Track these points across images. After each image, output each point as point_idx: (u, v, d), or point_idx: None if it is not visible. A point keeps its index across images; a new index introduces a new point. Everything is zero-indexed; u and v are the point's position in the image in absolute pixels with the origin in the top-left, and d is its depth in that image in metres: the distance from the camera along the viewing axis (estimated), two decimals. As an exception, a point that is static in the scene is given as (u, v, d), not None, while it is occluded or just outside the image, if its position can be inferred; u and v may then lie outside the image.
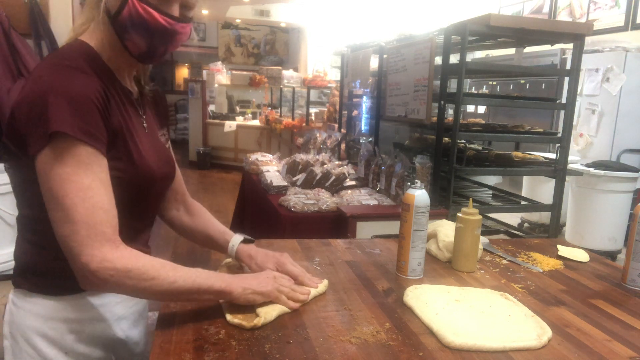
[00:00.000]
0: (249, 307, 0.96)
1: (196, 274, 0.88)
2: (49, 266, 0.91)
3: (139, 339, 1.06)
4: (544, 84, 4.86)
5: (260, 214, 2.69)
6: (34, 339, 0.91)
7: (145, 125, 1.01)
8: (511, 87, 5.27)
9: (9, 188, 0.95)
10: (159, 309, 0.97)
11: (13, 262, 0.97)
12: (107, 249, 0.79)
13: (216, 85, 8.61)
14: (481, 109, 5.61)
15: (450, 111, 2.57)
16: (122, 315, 1.01)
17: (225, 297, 0.93)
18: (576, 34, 2.33)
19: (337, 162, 2.85)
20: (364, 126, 3.81)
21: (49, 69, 0.83)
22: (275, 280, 0.98)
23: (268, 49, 12.26)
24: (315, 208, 2.18)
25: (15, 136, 0.83)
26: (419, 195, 1.16)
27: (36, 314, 0.92)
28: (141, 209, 1.01)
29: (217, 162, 8.33)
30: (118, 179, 0.87)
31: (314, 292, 1.05)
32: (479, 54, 6.00)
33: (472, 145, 2.84)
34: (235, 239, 1.13)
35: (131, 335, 1.03)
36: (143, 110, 1.03)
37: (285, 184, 2.55)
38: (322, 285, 1.09)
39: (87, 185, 0.80)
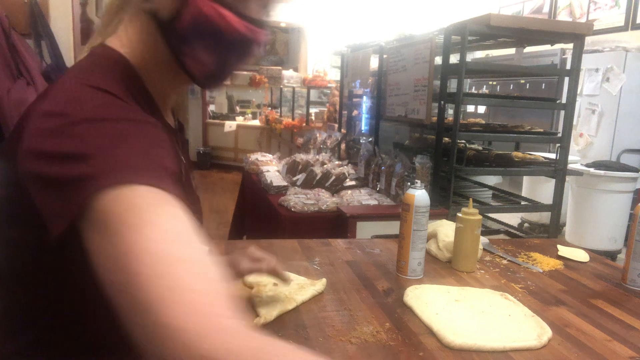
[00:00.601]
0: (249, 307, 0.96)
1: None
2: None
3: None
4: (544, 84, 4.86)
5: (260, 214, 2.69)
6: None
7: (183, 171, 0.73)
8: (511, 87, 5.27)
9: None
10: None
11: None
12: (231, 325, 0.45)
13: (216, 85, 8.61)
14: (481, 109, 5.62)
15: (450, 111, 2.57)
16: None
17: None
18: (576, 34, 2.33)
19: (337, 162, 2.85)
20: (364, 126, 3.81)
21: (94, 96, 0.55)
22: None
23: (268, 49, 12.26)
24: (315, 208, 2.17)
25: (24, 199, 0.53)
26: (419, 195, 1.16)
27: None
28: None
29: (217, 162, 8.33)
30: None
31: (312, 291, 1.05)
32: (479, 54, 6.00)
33: (472, 145, 2.84)
34: None
35: None
36: (181, 149, 0.76)
37: (285, 184, 2.55)
38: (320, 284, 1.09)
39: (158, 237, 0.48)
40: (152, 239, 0.47)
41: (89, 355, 0.55)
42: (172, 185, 0.52)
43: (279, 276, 0.99)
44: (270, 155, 3.36)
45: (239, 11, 0.62)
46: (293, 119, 7.59)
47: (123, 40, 0.64)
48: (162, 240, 0.47)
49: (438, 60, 2.43)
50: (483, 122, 2.98)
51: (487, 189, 2.93)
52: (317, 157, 2.98)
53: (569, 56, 4.33)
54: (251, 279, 1.08)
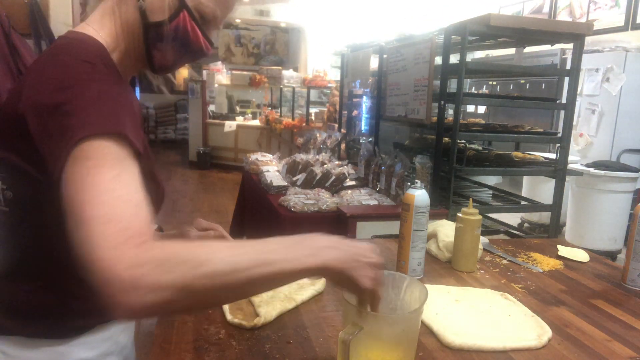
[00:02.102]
0: (249, 307, 0.96)
1: (273, 250, 0.65)
2: (61, 307, 0.79)
3: None
4: (544, 84, 4.87)
5: (260, 214, 2.69)
6: None
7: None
8: (511, 87, 5.27)
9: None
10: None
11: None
12: (128, 246, 0.59)
13: (216, 85, 8.62)
14: (481, 109, 5.62)
15: (450, 111, 2.57)
16: (125, 343, 0.94)
17: (318, 274, 0.70)
18: (576, 34, 2.33)
19: (337, 162, 2.85)
20: (364, 126, 3.81)
21: (76, 65, 0.72)
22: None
23: (268, 49, 12.26)
24: (315, 208, 2.17)
25: (26, 147, 0.69)
26: (419, 195, 1.16)
27: None
28: None
29: (217, 162, 8.33)
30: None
31: (312, 291, 1.05)
32: (479, 54, 6.00)
33: (472, 145, 2.84)
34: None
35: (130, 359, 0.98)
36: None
37: (285, 184, 2.55)
38: (320, 284, 1.09)
39: (109, 178, 0.64)
40: (103, 180, 0.63)
41: (91, 296, 0.59)
42: (133, 134, 0.69)
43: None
44: (270, 155, 3.36)
45: (204, 32, 0.85)
46: (293, 119, 7.59)
47: (96, 27, 0.81)
48: (110, 181, 0.64)
49: (438, 60, 2.43)
50: (483, 122, 2.98)
51: (487, 189, 2.93)
52: (317, 157, 2.98)
53: (569, 56, 4.33)
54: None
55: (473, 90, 5.58)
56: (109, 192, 0.63)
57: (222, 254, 0.62)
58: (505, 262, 1.35)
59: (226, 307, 0.95)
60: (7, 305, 0.81)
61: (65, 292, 0.78)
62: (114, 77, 0.77)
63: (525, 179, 4.55)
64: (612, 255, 3.76)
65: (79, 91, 0.68)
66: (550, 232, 2.52)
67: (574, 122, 2.76)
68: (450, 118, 2.41)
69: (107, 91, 0.71)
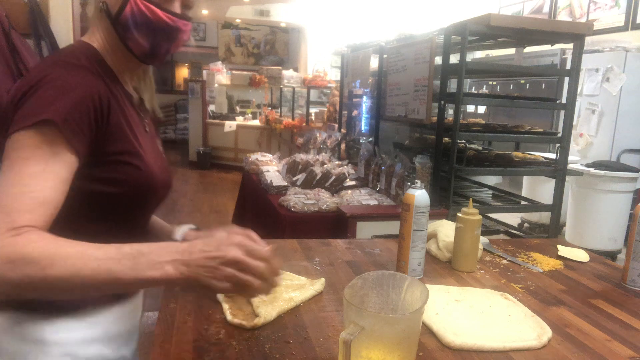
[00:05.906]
0: (249, 307, 0.96)
1: (117, 260, 0.67)
2: None
3: None
4: (544, 84, 4.86)
5: (260, 214, 2.69)
6: None
7: (147, 129, 1.01)
8: (511, 87, 5.27)
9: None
10: (159, 309, 0.97)
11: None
12: (2, 237, 0.66)
13: (216, 85, 8.61)
14: (481, 109, 5.62)
15: (450, 111, 2.57)
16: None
17: (165, 285, 0.77)
18: (576, 34, 2.33)
19: (337, 162, 2.85)
20: (364, 126, 3.81)
21: (50, 64, 0.83)
22: (230, 237, 0.75)
23: (268, 49, 12.26)
24: (315, 208, 2.17)
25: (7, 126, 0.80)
26: (419, 195, 1.16)
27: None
28: (137, 221, 0.98)
29: (217, 162, 8.33)
30: (119, 183, 0.85)
31: (312, 291, 1.05)
32: (479, 54, 6.00)
33: (472, 145, 2.84)
34: (185, 227, 1.07)
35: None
36: (144, 114, 1.03)
37: (285, 184, 2.55)
38: (319, 284, 1.09)
39: (29, 173, 0.72)
40: (24, 173, 0.72)
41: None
42: (77, 138, 0.78)
43: None
44: (270, 155, 3.36)
45: (163, 7, 0.88)
46: (293, 119, 7.59)
47: (92, 35, 0.92)
48: (29, 176, 0.72)
49: (438, 60, 2.43)
50: (483, 122, 2.98)
51: (487, 189, 2.93)
52: (317, 157, 2.98)
53: (569, 56, 4.33)
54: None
55: (473, 90, 5.58)
56: (20, 186, 0.71)
57: (71, 260, 0.66)
58: (505, 262, 1.35)
59: (226, 307, 0.95)
60: None
61: None
62: (96, 76, 0.85)
63: (525, 179, 4.55)
64: (612, 255, 3.76)
65: (41, 87, 0.77)
66: (550, 232, 2.52)
67: (574, 122, 2.76)
68: (450, 118, 2.41)
69: (68, 89, 0.78)
